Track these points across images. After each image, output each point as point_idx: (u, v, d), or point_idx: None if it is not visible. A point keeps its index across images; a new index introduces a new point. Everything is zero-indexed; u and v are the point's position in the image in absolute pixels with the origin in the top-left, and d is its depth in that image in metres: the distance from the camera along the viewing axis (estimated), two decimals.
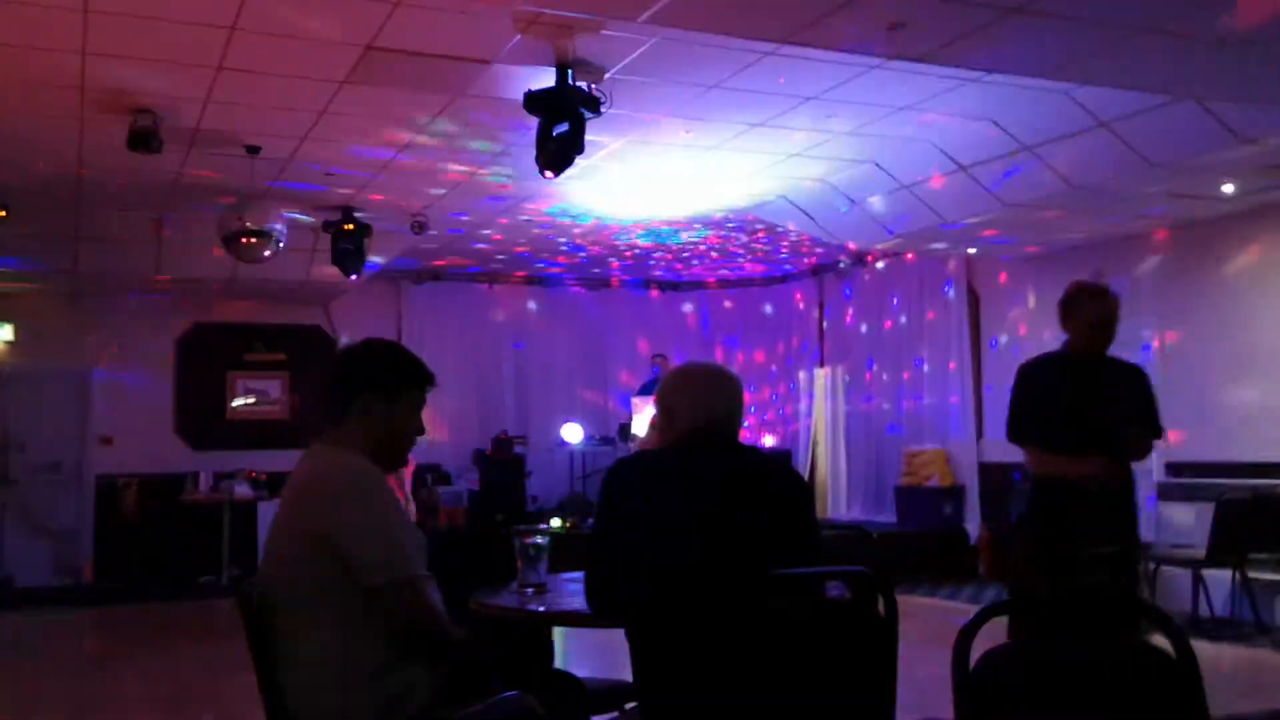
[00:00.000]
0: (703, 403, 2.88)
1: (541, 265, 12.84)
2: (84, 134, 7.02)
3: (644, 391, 12.64)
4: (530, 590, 3.47)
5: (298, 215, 9.06)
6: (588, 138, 6.45)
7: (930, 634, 7.49)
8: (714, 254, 12.30)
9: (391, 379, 2.93)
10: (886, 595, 2.48)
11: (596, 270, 13.26)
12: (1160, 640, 1.94)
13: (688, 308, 14.48)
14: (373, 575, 2.66)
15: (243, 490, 11.65)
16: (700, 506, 2.69)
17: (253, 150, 7.51)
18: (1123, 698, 1.76)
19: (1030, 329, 10.98)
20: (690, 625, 2.49)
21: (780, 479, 2.85)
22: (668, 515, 2.68)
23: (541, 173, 6.56)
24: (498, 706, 2.69)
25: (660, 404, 2.96)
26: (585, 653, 7.23)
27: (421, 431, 3.01)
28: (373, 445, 2.87)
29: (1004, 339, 11.30)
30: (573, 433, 12.99)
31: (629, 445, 12.52)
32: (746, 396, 13.85)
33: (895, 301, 12.41)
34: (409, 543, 2.77)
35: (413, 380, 2.96)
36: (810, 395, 13.59)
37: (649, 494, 2.75)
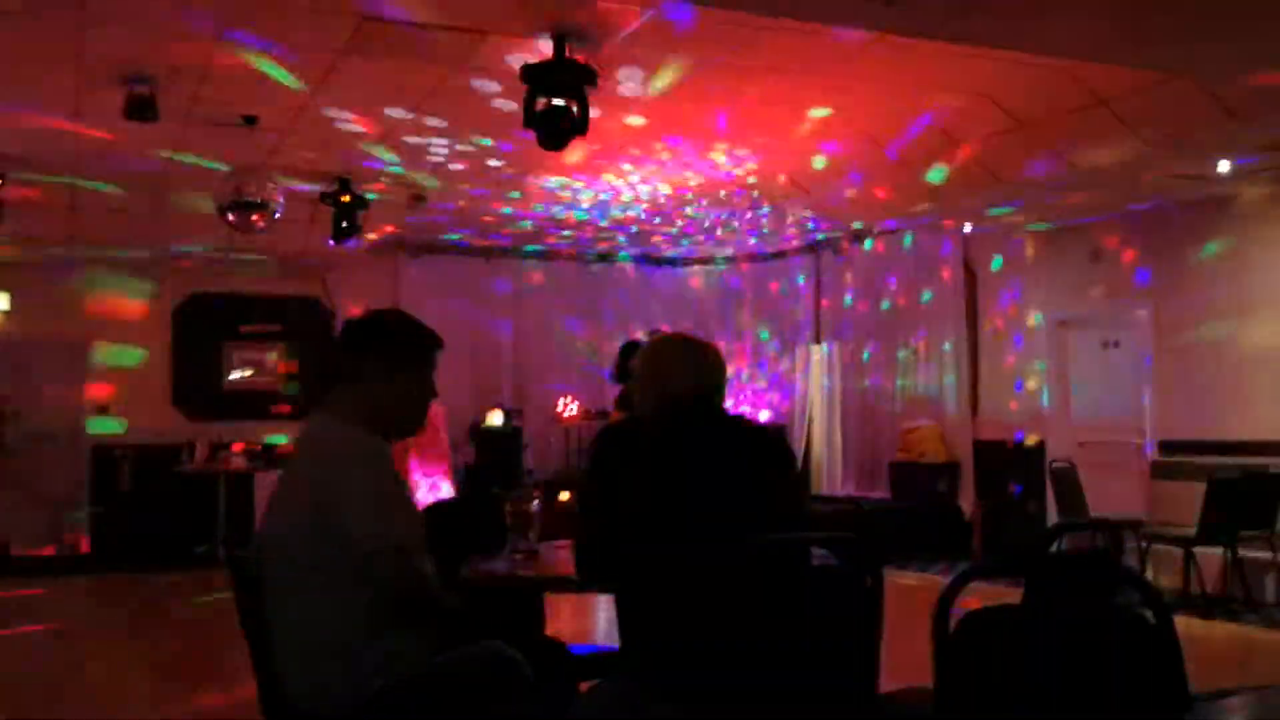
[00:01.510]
0: (690, 372, 2.90)
1: (540, 238, 12.82)
2: (80, 102, 7.00)
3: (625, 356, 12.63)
4: (520, 556, 3.50)
5: (295, 186, 9.03)
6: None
7: (921, 609, 7.54)
8: (713, 229, 12.29)
9: (400, 349, 2.94)
10: (874, 564, 2.50)
11: (594, 244, 13.25)
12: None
13: (685, 282, 14.47)
14: (362, 543, 2.68)
15: (238, 461, 11.68)
16: (689, 474, 2.71)
17: (249, 120, 7.48)
18: (1100, 662, 1.78)
19: (1025, 306, 11.00)
20: (677, 591, 2.51)
21: (767, 446, 2.87)
22: (657, 483, 2.71)
23: (542, 144, 6.54)
24: (475, 653, 2.71)
25: (645, 372, 2.97)
26: (575, 621, 7.28)
27: (434, 394, 3.02)
28: (378, 415, 2.88)
29: (999, 317, 11.32)
30: (568, 406, 13.01)
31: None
32: (743, 372, 13.88)
33: (892, 279, 12.40)
34: (400, 512, 2.79)
35: (421, 350, 2.96)
36: (806, 371, 13.61)
37: (638, 462, 2.77)
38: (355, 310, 12.33)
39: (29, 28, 5.80)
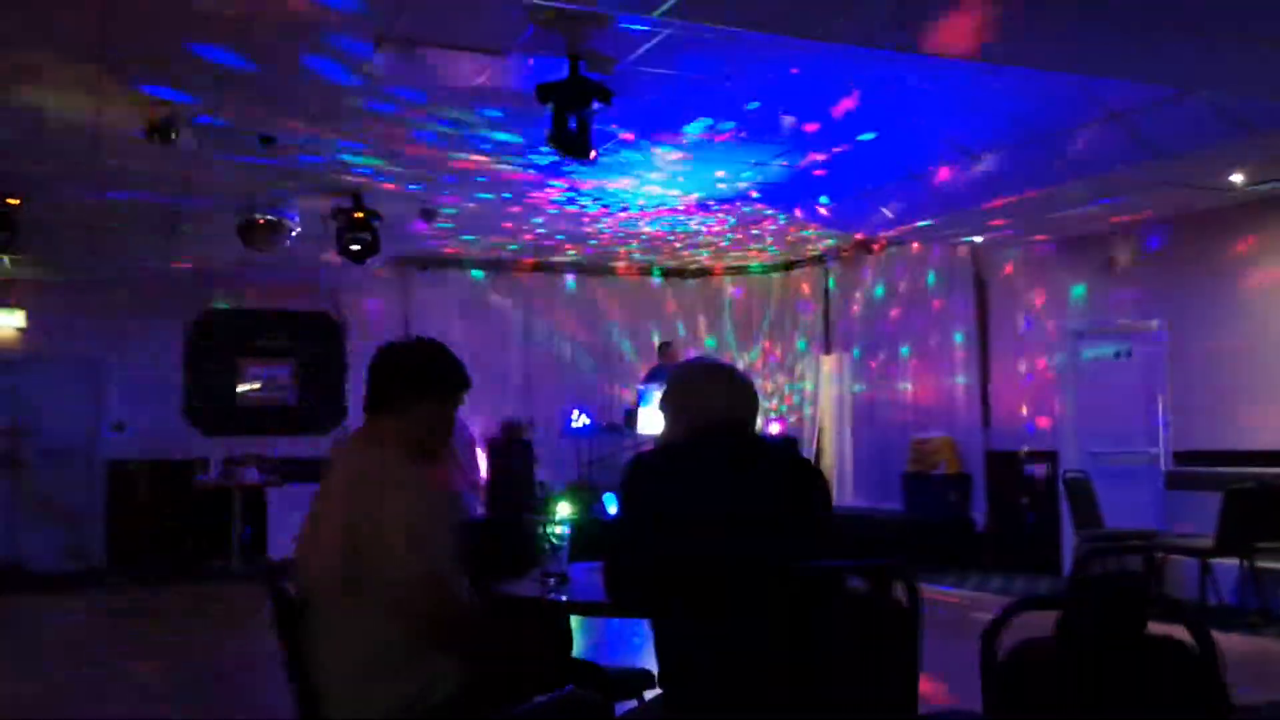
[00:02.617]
0: (723, 400, 2.92)
1: (550, 251, 12.86)
2: (101, 123, 7.04)
3: (651, 379, 12.67)
4: (553, 580, 3.52)
5: (309, 203, 9.08)
6: (599, 126, 6.49)
7: (937, 622, 7.55)
8: (721, 241, 12.32)
9: (442, 383, 3.03)
10: (910, 588, 2.52)
11: (604, 257, 13.29)
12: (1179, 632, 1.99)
13: (694, 294, 14.50)
14: (404, 569, 2.72)
15: (251, 475, 11.73)
16: (722, 499, 2.73)
17: (266, 140, 7.53)
18: (1148, 689, 1.80)
19: (1037, 317, 11.01)
20: (713, 616, 2.53)
21: (799, 472, 2.89)
22: (690, 508, 2.72)
23: (562, 160, 6.60)
24: (560, 701, 2.73)
25: (678, 397, 2.99)
26: (600, 641, 7.29)
27: (452, 425, 3.12)
28: (414, 443, 2.96)
29: (1011, 328, 11.33)
30: (580, 419, 13.03)
31: (635, 431, 12.56)
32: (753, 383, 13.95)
33: (903, 289, 12.42)
34: (441, 538, 2.83)
35: (459, 385, 3.06)
36: (816, 382, 13.63)
37: (671, 487, 2.79)
38: (367, 327, 12.44)
39: (50, 47, 5.84)
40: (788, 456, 2.99)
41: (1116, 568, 3.86)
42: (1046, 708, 1.78)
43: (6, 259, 9.73)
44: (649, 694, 3.55)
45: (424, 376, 3.00)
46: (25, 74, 6.19)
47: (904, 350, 12.42)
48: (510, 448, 12.56)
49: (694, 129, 7.70)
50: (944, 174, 8.51)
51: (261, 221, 8.21)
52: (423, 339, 3.15)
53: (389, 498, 2.79)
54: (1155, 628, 2.04)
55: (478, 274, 13.48)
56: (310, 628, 2.84)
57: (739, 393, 2.97)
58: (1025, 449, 10.99)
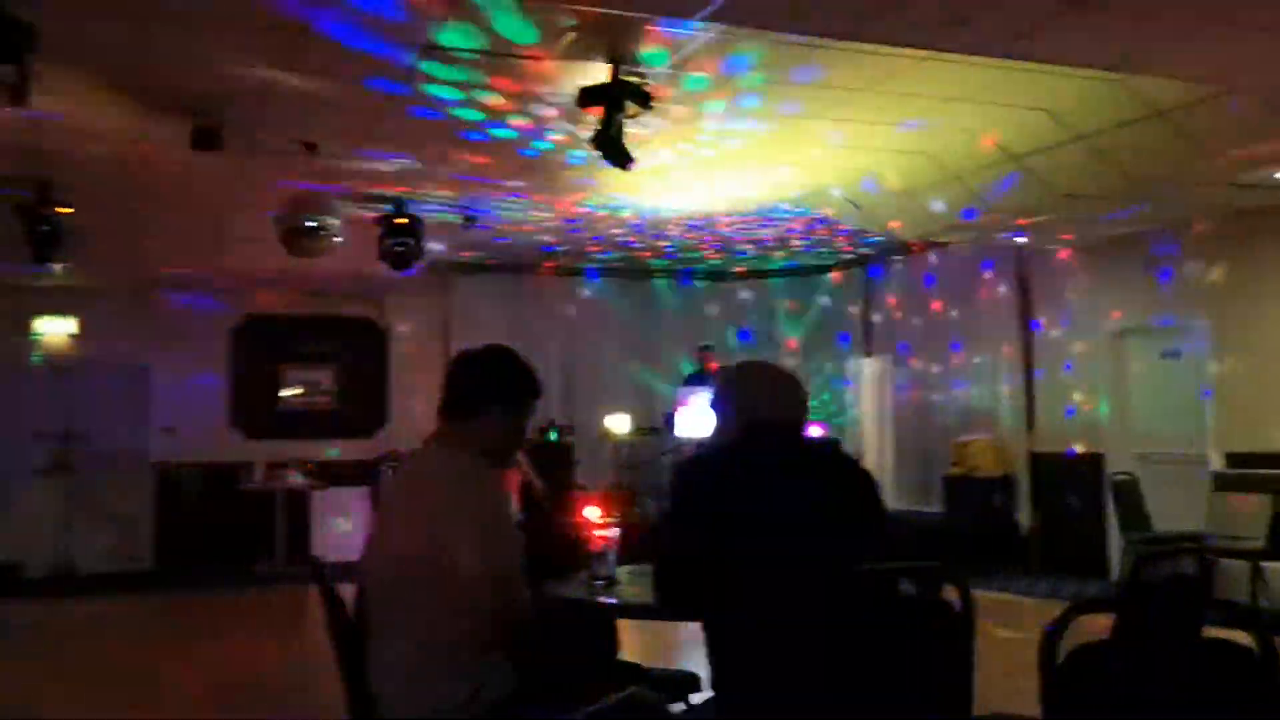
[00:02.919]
0: (776, 400, 2.93)
1: (589, 256, 12.90)
2: (147, 131, 7.14)
3: (690, 383, 12.67)
4: (601, 582, 3.54)
5: (352, 210, 9.17)
6: (640, 131, 6.52)
7: (983, 626, 7.50)
8: (762, 244, 12.30)
9: (519, 390, 3.09)
10: (963, 590, 2.52)
11: (643, 261, 13.31)
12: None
13: (734, 298, 14.48)
14: (470, 568, 2.76)
15: (295, 479, 11.85)
16: (776, 500, 2.73)
17: (310, 147, 7.60)
18: (1209, 693, 1.79)
19: (1080, 319, 10.92)
20: (767, 618, 2.54)
21: (853, 473, 2.89)
22: (743, 509, 2.73)
23: (603, 164, 6.63)
24: (622, 703, 2.75)
25: (732, 398, 3.00)
26: (642, 643, 7.29)
27: (524, 434, 3.19)
28: (490, 449, 3.01)
29: (1054, 328, 11.24)
30: (618, 423, 13.05)
31: (675, 435, 12.57)
32: None
33: (944, 291, 12.36)
34: (511, 541, 2.87)
35: (531, 392, 3.13)
36: (857, 385, 13.57)
37: (724, 488, 2.79)
38: (408, 332, 12.53)
39: (95, 57, 5.94)
40: (839, 457, 2.98)
41: (1170, 571, 3.81)
42: (1107, 711, 1.77)
43: (58, 267, 9.88)
44: (694, 697, 3.56)
45: (498, 383, 3.06)
46: (73, 84, 6.29)
47: (946, 351, 12.35)
48: (549, 452, 12.59)
49: (733, 131, 7.70)
50: (984, 173, 8.45)
51: (304, 228, 8.28)
52: (498, 346, 3.21)
53: (464, 500, 2.84)
54: (1209, 632, 2.03)
55: (519, 279, 13.54)
56: (370, 627, 2.88)
57: (791, 393, 2.97)
58: (1070, 450, 10.89)
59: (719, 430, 3.08)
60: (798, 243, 12.26)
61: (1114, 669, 1.80)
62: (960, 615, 2.49)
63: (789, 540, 2.67)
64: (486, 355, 3.17)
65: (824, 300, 14.06)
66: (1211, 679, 1.79)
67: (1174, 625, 1.94)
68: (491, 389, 3.04)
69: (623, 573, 3.79)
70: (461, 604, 2.78)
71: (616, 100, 6.30)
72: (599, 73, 6.23)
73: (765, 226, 11.21)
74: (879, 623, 2.44)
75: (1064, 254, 11.02)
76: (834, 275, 13.87)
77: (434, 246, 10.49)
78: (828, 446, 3.05)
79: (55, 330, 11.90)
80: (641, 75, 6.30)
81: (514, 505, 3.09)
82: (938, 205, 9.24)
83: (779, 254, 13.02)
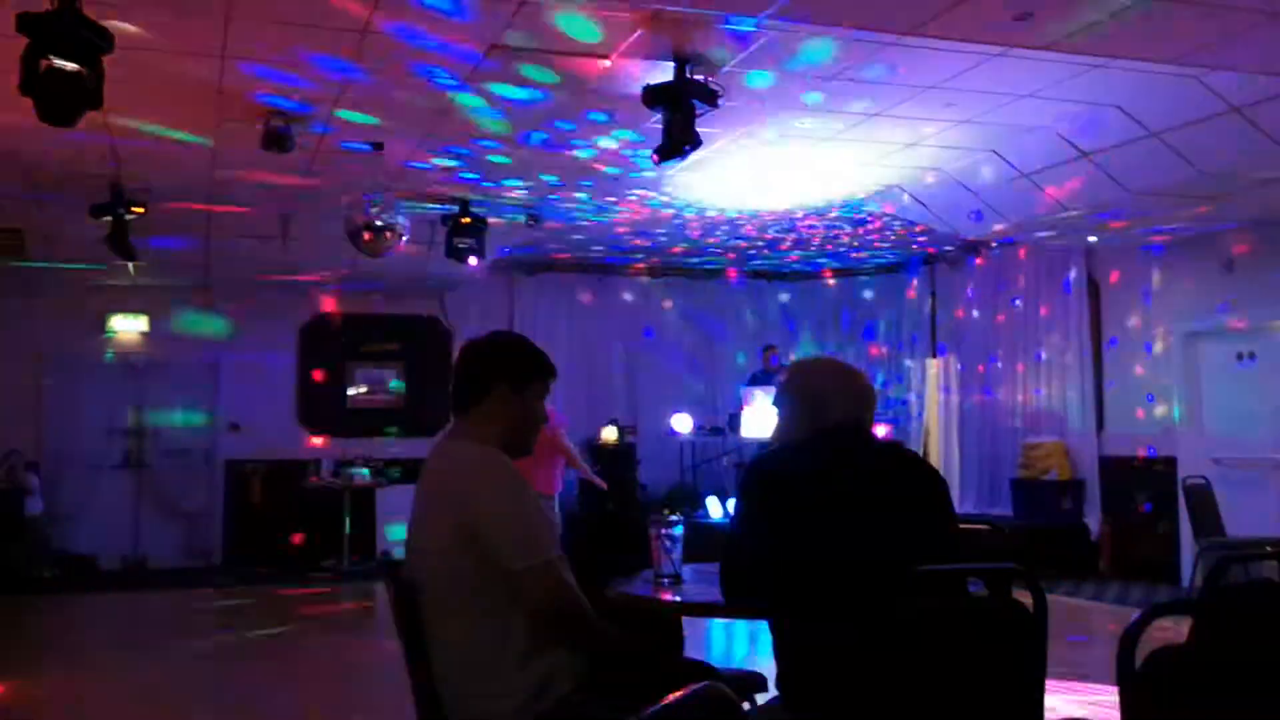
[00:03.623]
0: (844, 399, 2.90)
1: (653, 255, 12.90)
2: (219, 133, 7.27)
3: (754, 382, 12.63)
4: (666, 580, 3.53)
5: (418, 208, 9.25)
6: (703, 130, 6.50)
7: (1053, 631, 7.39)
8: (827, 244, 12.22)
9: (523, 371, 3.03)
10: (1035, 591, 2.48)
11: (707, 260, 13.28)
12: None
13: (799, 298, 14.41)
14: (512, 561, 2.75)
15: (361, 477, 11.98)
16: (844, 501, 2.71)
17: (377, 147, 7.69)
18: None
19: (1151, 319, 10.71)
20: (839, 620, 2.51)
21: (922, 475, 2.86)
22: (812, 510, 2.71)
23: (657, 164, 6.64)
24: (693, 697, 2.72)
25: (800, 396, 2.97)
26: (703, 642, 7.29)
27: (545, 420, 3.13)
28: (504, 435, 2.97)
29: (1125, 330, 11.04)
30: (682, 423, 13.03)
31: (739, 435, 12.53)
32: None
33: (1012, 291, 12.19)
34: (543, 526, 2.85)
35: (540, 372, 3.07)
36: (922, 386, 13.44)
37: (792, 489, 2.77)
38: (473, 330, 12.65)
39: (175, 60, 6.04)
40: (907, 456, 2.94)
41: (1245, 576, 3.74)
42: (1186, 715, 1.73)
43: (131, 266, 10.09)
44: (760, 697, 3.53)
45: (499, 366, 3.01)
46: (147, 86, 6.41)
47: (1013, 353, 12.17)
48: (612, 450, 12.62)
49: (800, 130, 7.66)
50: (1055, 172, 8.32)
51: (371, 227, 8.37)
52: (501, 332, 3.19)
53: (489, 491, 2.81)
54: None
55: (583, 278, 13.58)
56: (427, 627, 2.87)
57: (858, 392, 2.94)
58: (1141, 454, 10.70)
59: (783, 428, 3.05)
60: (865, 242, 12.15)
61: (1194, 673, 1.75)
62: (1031, 617, 2.45)
63: (855, 540, 2.65)
64: (490, 338, 3.15)
65: (889, 300, 13.92)
66: None
67: (1254, 630, 1.89)
68: (494, 373, 3.00)
69: (688, 571, 3.78)
70: (508, 597, 2.76)
71: (682, 98, 6.29)
72: (664, 72, 6.22)
73: (830, 225, 11.13)
74: (946, 624, 2.41)
75: (1136, 253, 10.81)
76: (901, 275, 13.74)
77: (498, 244, 10.56)
78: (894, 445, 3.01)
79: (127, 328, 12.14)
80: (707, 73, 6.29)
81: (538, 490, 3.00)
82: (1005, 204, 9.11)
83: (846, 253, 12.91)
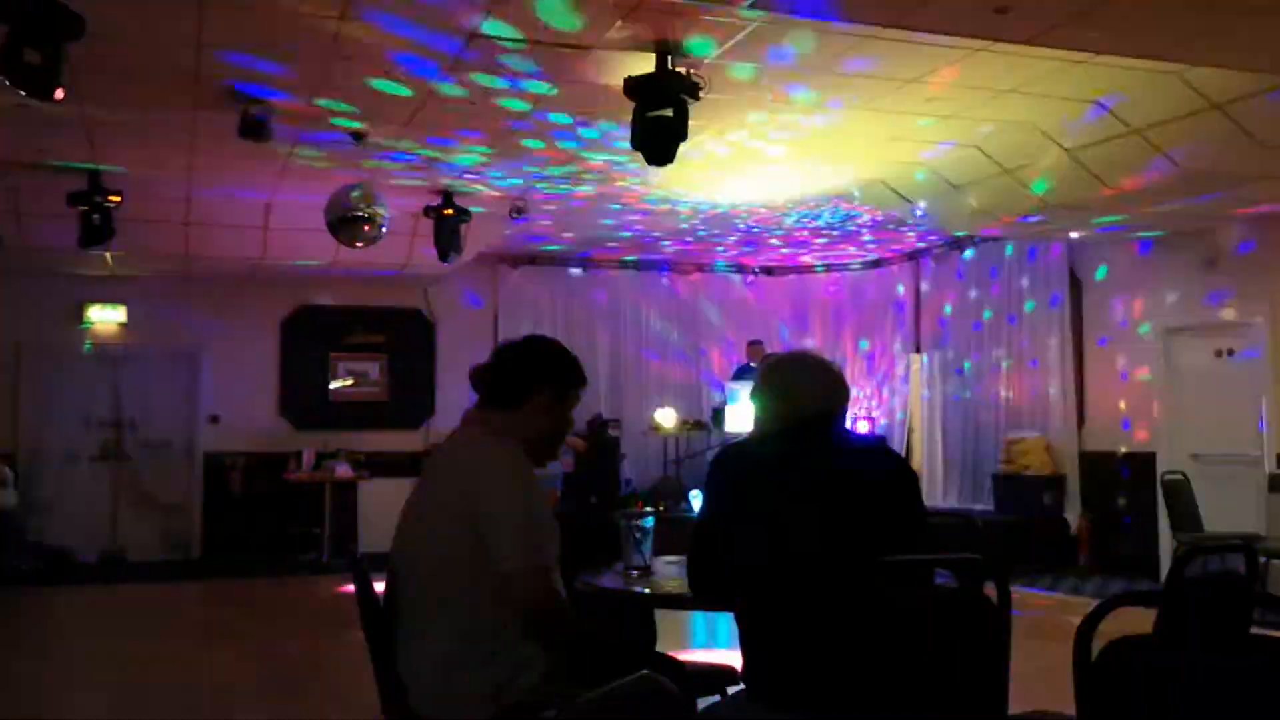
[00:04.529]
0: (816, 392, 2.90)
1: (638, 249, 12.88)
2: (196, 121, 7.21)
3: (738, 377, 12.63)
4: (635, 572, 3.51)
5: (400, 200, 9.20)
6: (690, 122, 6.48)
7: (1031, 625, 7.40)
8: (810, 238, 12.22)
9: (566, 379, 3.06)
10: (1000, 583, 2.46)
11: (691, 254, 13.27)
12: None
13: (783, 292, 14.40)
14: (509, 558, 2.74)
15: (343, 470, 11.93)
16: (810, 493, 2.69)
17: (359, 137, 7.64)
18: (1248, 694, 1.73)
19: (1134, 316, 10.74)
20: (800, 611, 2.50)
21: (890, 466, 2.85)
22: (778, 500, 2.69)
23: (649, 161, 6.58)
24: (631, 687, 2.72)
25: (770, 388, 2.97)
26: (677, 635, 7.28)
27: (572, 427, 3.15)
28: (536, 439, 2.99)
29: (1106, 326, 11.06)
30: (666, 417, 13.02)
31: (724, 429, 12.53)
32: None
33: (995, 287, 12.21)
34: (548, 534, 2.84)
35: (579, 381, 3.09)
36: (906, 381, 13.45)
37: (758, 480, 2.76)
38: (456, 323, 12.57)
39: (149, 49, 5.99)
40: (878, 449, 2.94)
41: (1218, 568, 3.75)
42: (1142, 708, 1.72)
43: (109, 256, 10.01)
44: (733, 690, 3.52)
45: (547, 369, 3.04)
46: (126, 73, 6.36)
47: (996, 349, 12.20)
48: (596, 444, 12.60)
49: (783, 123, 7.64)
50: (1040, 168, 8.32)
51: (353, 218, 8.32)
52: (542, 337, 3.20)
53: (503, 488, 2.81)
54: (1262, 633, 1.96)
55: (566, 270, 13.55)
56: (401, 616, 2.86)
57: (830, 385, 2.94)
58: (1122, 450, 10.73)
59: (758, 422, 3.06)
60: (849, 236, 12.15)
61: (1152, 665, 1.74)
62: (997, 610, 2.43)
63: (820, 532, 2.63)
64: (535, 342, 3.17)
65: (875, 296, 13.93)
66: (1253, 678, 1.73)
67: (1218, 623, 1.87)
68: (541, 374, 3.02)
69: (660, 563, 3.77)
70: (497, 594, 2.75)
71: (662, 90, 6.25)
72: (645, 64, 6.19)
73: (816, 220, 11.13)
74: (910, 616, 2.39)
75: (1118, 250, 10.84)
76: (886, 270, 13.74)
77: (481, 237, 10.52)
78: (866, 439, 3.01)
79: (106, 318, 12.05)
80: (690, 64, 6.25)
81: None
82: (988, 200, 9.11)
83: (832, 248, 12.91)
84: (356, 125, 7.44)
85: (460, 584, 2.78)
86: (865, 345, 14.01)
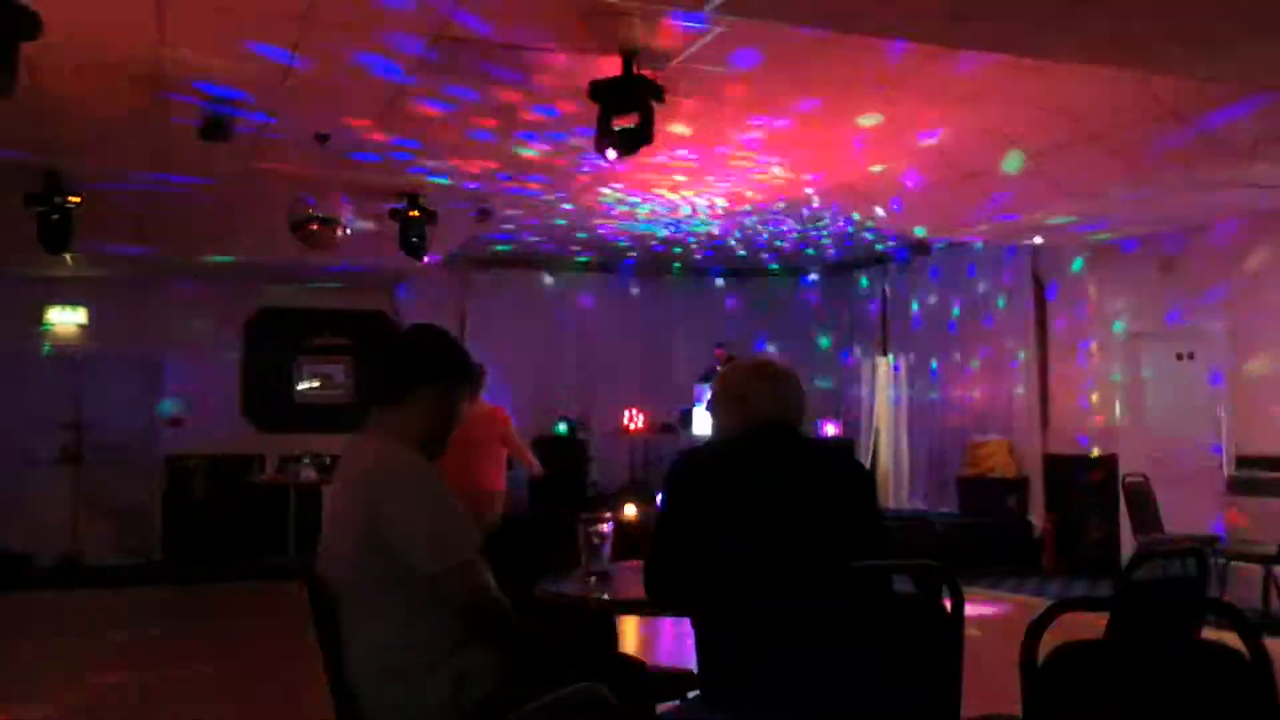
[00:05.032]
0: (774, 396, 2.90)
1: (606, 251, 12.86)
2: (156, 122, 7.14)
3: (705, 380, 12.65)
4: (594, 578, 3.50)
5: (365, 202, 9.14)
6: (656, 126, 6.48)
7: (993, 627, 7.45)
8: (776, 241, 12.25)
9: (451, 372, 2.96)
10: (953, 589, 2.47)
11: (659, 257, 13.26)
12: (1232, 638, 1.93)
13: (751, 296, 14.42)
14: (426, 564, 2.69)
15: (308, 473, 11.82)
16: (768, 498, 2.70)
17: (322, 138, 7.59)
18: (1193, 696, 1.74)
19: (1094, 319, 10.83)
20: (756, 616, 2.49)
21: (847, 471, 2.86)
22: (735, 507, 2.70)
23: (602, 154, 6.59)
24: (568, 697, 2.71)
25: (727, 396, 2.97)
26: (641, 640, 7.28)
27: (460, 421, 3.04)
28: (424, 435, 2.90)
29: (1069, 329, 11.15)
30: (634, 419, 13.01)
31: (691, 433, 12.54)
32: (808, 385, 13.86)
33: (960, 291, 12.29)
34: (457, 528, 2.79)
35: (467, 374, 3.01)
36: (872, 384, 13.51)
37: (716, 485, 2.76)
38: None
39: (110, 47, 5.92)
40: (835, 456, 2.95)
41: (1177, 571, 3.77)
42: (1089, 711, 1.73)
43: (68, 257, 9.90)
44: (693, 694, 3.52)
45: (425, 363, 2.94)
46: (84, 73, 6.28)
47: (961, 352, 12.28)
48: (563, 447, 12.57)
49: (746, 129, 7.65)
50: (1000, 172, 8.37)
51: (315, 220, 8.26)
52: (424, 326, 3.09)
53: (404, 495, 2.74)
54: (1215, 635, 1.98)
55: (535, 274, 13.52)
56: (344, 624, 2.82)
57: (785, 391, 2.94)
58: (1084, 452, 10.83)
59: (715, 430, 3.07)
60: (814, 240, 12.18)
61: (1099, 668, 1.75)
62: (950, 615, 2.44)
63: (777, 538, 2.63)
64: (413, 335, 3.06)
65: (839, 298, 13.98)
66: (1198, 680, 1.75)
67: (1167, 626, 1.89)
68: (419, 370, 2.92)
69: (621, 568, 3.75)
70: (426, 598, 2.71)
71: (628, 93, 6.25)
72: (611, 66, 6.18)
73: (779, 223, 11.15)
74: (866, 621, 2.39)
75: (1079, 254, 10.93)
76: (852, 274, 13.80)
77: (448, 239, 10.47)
78: (823, 444, 3.01)
79: (65, 320, 11.91)
80: (655, 69, 6.25)
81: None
82: (951, 203, 9.16)
83: (796, 252, 12.94)
84: (320, 127, 7.39)
85: (382, 592, 2.73)
86: (832, 348, 14.06)
